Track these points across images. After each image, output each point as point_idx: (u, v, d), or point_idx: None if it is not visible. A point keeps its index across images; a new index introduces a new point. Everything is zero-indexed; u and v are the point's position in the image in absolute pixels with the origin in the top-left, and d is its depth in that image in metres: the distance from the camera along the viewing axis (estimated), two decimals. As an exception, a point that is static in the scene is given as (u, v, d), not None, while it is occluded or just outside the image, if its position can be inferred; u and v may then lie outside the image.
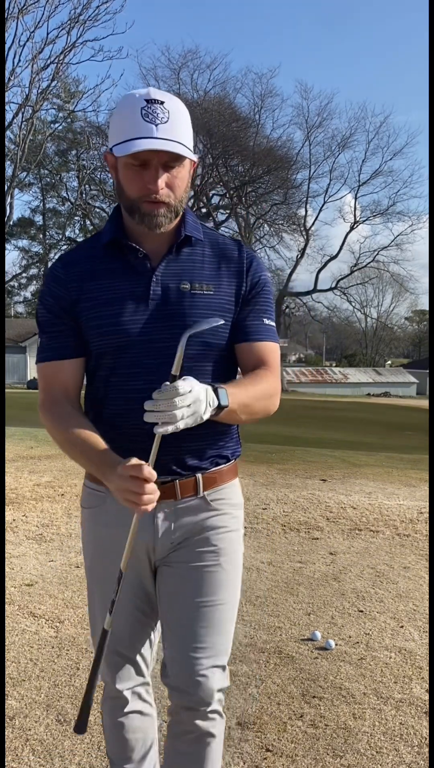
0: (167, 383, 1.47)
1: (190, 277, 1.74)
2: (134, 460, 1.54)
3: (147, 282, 1.72)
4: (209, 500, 1.82)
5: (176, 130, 1.62)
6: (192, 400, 1.49)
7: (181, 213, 1.73)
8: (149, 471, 1.52)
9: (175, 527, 1.80)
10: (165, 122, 1.60)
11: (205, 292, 1.73)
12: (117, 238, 1.74)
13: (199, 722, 1.79)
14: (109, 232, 1.75)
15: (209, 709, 1.79)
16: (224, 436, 1.84)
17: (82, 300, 1.73)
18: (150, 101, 1.62)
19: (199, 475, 1.80)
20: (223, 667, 1.81)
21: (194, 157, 1.68)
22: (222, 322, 1.62)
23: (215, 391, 1.58)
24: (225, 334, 1.75)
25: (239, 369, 1.85)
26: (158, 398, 1.47)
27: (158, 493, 1.54)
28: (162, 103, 1.62)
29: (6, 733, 2.64)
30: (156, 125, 1.60)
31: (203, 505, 1.81)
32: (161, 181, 1.63)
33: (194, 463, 1.80)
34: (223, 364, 1.77)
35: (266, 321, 1.80)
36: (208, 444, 1.80)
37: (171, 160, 1.63)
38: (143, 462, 1.54)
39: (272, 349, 1.80)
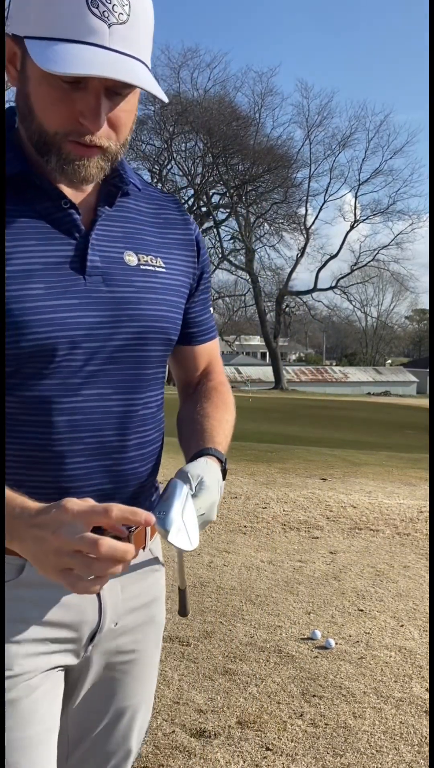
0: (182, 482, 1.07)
1: (133, 244, 1.19)
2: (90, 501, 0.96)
3: (82, 248, 1.13)
4: (155, 553, 1.32)
5: (138, 37, 1.05)
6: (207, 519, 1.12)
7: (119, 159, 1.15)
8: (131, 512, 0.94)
9: (125, 598, 1.24)
10: (123, 22, 1.03)
11: (157, 268, 1.21)
12: (27, 172, 1.11)
13: None
14: (12, 162, 1.11)
15: None
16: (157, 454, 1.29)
17: None
18: None
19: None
20: None
21: (162, 95, 1.07)
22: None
23: (223, 471, 1.20)
24: (179, 330, 1.26)
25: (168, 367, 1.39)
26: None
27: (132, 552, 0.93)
28: None
29: None
30: (109, 25, 1.02)
31: (151, 561, 1.31)
32: (103, 116, 1.05)
33: (141, 499, 1.24)
34: (162, 368, 1.28)
35: (211, 310, 1.40)
36: (150, 467, 1.25)
37: (122, 86, 1.04)
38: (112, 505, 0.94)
39: (217, 346, 1.43)
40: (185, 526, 1.02)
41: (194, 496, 1.07)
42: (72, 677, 1.22)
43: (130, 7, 1.03)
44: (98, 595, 1.18)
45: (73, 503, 0.93)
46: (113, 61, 1.01)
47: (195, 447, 1.21)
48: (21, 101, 1.09)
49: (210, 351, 1.39)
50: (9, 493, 1.02)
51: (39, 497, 1.03)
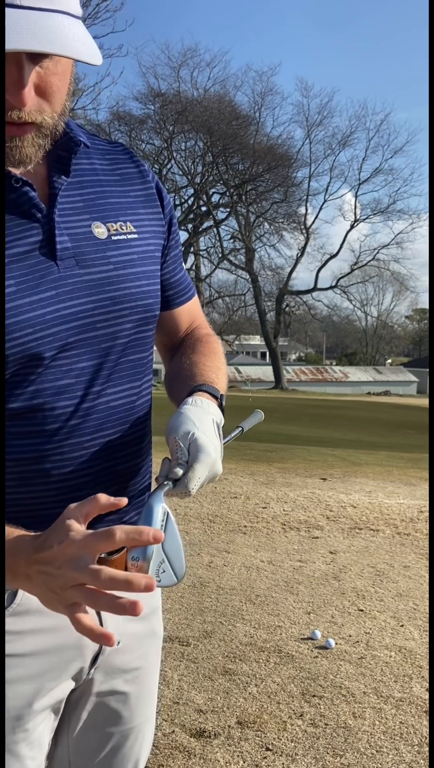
0: (160, 492, 0.93)
1: (98, 211, 1.06)
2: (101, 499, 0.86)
3: (47, 229, 1.00)
4: None
5: None
6: (210, 475, 0.99)
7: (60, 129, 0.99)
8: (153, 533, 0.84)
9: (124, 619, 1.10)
10: None
11: (129, 236, 1.07)
12: None
13: None
14: None
15: None
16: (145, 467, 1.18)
17: None
18: None
19: None
20: None
21: (94, 58, 0.90)
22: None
23: (221, 407, 1.09)
24: (159, 300, 1.15)
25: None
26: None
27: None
28: None
29: None
30: None
31: None
32: (30, 87, 0.89)
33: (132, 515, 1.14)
34: (152, 349, 1.18)
35: (183, 266, 1.27)
36: (148, 459, 1.18)
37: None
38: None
39: (197, 302, 1.31)
40: (166, 558, 0.89)
41: (187, 464, 0.97)
42: (72, 700, 1.13)
43: None
44: (99, 615, 1.08)
45: (75, 532, 0.83)
46: (31, 25, 0.84)
47: (184, 392, 1.08)
48: None
49: (190, 310, 1.27)
50: (7, 528, 0.92)
51: (39, 513, 0.98)
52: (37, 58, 0.88)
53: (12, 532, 0.92)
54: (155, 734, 2.63)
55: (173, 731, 2.67)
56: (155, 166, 42.62)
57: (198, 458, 0.96)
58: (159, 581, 0.87)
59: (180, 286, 1.23)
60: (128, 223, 1.09)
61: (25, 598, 1.02)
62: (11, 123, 0.91)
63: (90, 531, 0.84)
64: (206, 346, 1.22)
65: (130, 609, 0.79)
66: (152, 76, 59.38)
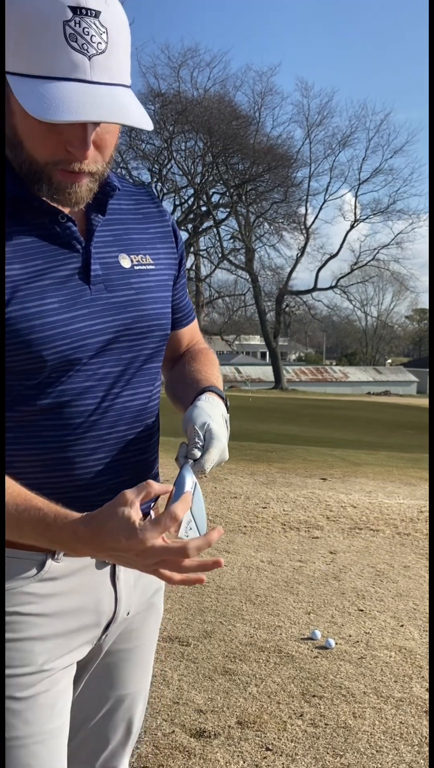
0: (189, 466, 1.13)
1: (124, 245, 1.25)
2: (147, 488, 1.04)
3: (85, 259, 1.18)
4: None
5: (118, 62, 1.05)
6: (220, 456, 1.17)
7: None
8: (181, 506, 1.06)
9: (136, 588, 1.30)
10: (102, 51, 1.02)
11: (148, 267, 1.26)
12: (24, 195, 1.13)
13: None
14: (10, 185, 1.13)
15: None
16: (154, 445, 1.36)
17: None
18: (79, 11, 1.00)
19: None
20: None
21: (147, 124, 1.08)
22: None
23: (225, 401, 1.27)
24: (171, 321, 1.34)
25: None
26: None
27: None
28: (97, 14, 1.02)
29: None
30: (89, 57, 1.01)
31: None
32: (90, 144, 1.07)
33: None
34: (161, 360, 1.35)
35: (187, 292, 1.46)
36: (155, 455, 1.35)
37: None
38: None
39: (196, 324, 1.50)
40: (193, 519, 1.10)
41: (204, 448, 1.14)
42: (80, 664, 1.27)
43: (107, 33, 1.03)
44: (114, 586, 1.25)
45: (140, 527, 1.00)
46: (99, 99, 1.01)
47: (193, 393, 1.27)
48: (9, 131, 1.10)
49: (192, 330, 1.48)
50: (46, 506, 1.07)
51: (58, 496, 1.12)
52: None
53: (59, 511, 1.07)
54: (155, 734, 2.64)
55: (173, 731, 2.67)
56: (155, 166, 42.67)
57: (213, 444, 1.14)
58: (187, 537, 1.07)
59: (185, 310, 1.43)
60: (147, 256, 1.28)
61: (53, 567, 1.17)
62: (72, 172, 1.09)
63: (151, 521, 1.01)
64: (206, 357, 1.43)
65: (213, 565, 1.05)
66: (152, 76, 59.33)
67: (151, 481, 1.04)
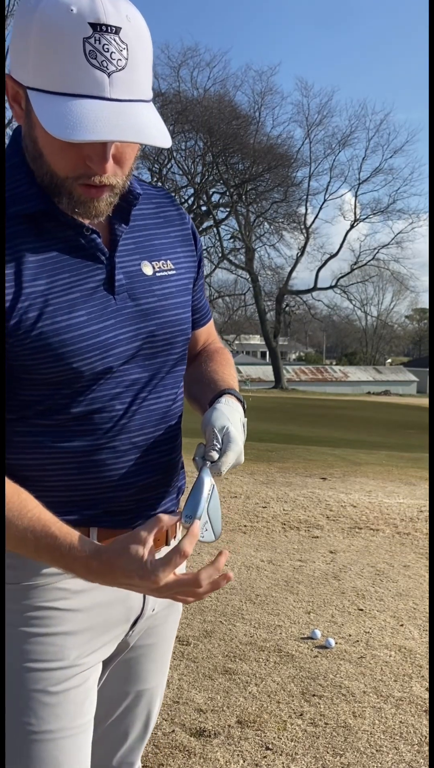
0: (207, 468, 1.16)
1: (145, 252, 1.26)
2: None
3: (109, 269, 1.19)
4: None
5: (138, 77, 1.05)
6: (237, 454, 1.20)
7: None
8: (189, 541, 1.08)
9: None
10: (122, 68, 1.02)
11: (169, 272, 1.28)
12: (48, 209, 1.14)
13: None
14: (34, 200, 1.14)
15: None
16: (178, 465, 1.37)
17: (18, 308, 1.11)
18: (99, 28, 1.00)
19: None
20: None
21: (166, 141, 1.08)
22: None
23: (243, 405, 1.31)
24: (191, 324, 1.36)
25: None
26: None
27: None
28: (117, 31, 1.01)
29: None
30: (109, 74, 1.01)
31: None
32: (110, 158, 1.09)
33: (160, 502, 1.33)
34: (185, 363, 1.39)
35: (205, 293, 1.47)
36: (179, 454, 1.37)
37: None
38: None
39: (213, 323, 1.53)
40: (209, 520, 1.14)
41: (221, 451, 1.17)
42: (104, 661, 1.30)
43: (128, 49, 1.02)
44: None
45: (151, 568, 1.05)
46: (117, 117, 1.01)
47: (211, 393, 1.30)
48: (30, 143, 1.12)
49: (209, 330, 1.50)
50: (62, 535, 1.09)
51: (92, 496, 1.19)
52: None
53: (75, 537, 1.10)
54: (155, 734, 2.64)
55: (173, 730, 2.67)
56: (155, 165, 42.66)
57: (230, 447, 1.17)
58: (202, 537, 1.11)
59: (203, 311, 1.45)
60: (168, 261, 1.29)
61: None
62: (92, 186, 1.10)
63: (161, 559, 1.05)
64: (222, 357, 1.45)
65: (224, 582, 1.10)
66: (152, 75, 59.29)
67: (161, 515, 1.08)
